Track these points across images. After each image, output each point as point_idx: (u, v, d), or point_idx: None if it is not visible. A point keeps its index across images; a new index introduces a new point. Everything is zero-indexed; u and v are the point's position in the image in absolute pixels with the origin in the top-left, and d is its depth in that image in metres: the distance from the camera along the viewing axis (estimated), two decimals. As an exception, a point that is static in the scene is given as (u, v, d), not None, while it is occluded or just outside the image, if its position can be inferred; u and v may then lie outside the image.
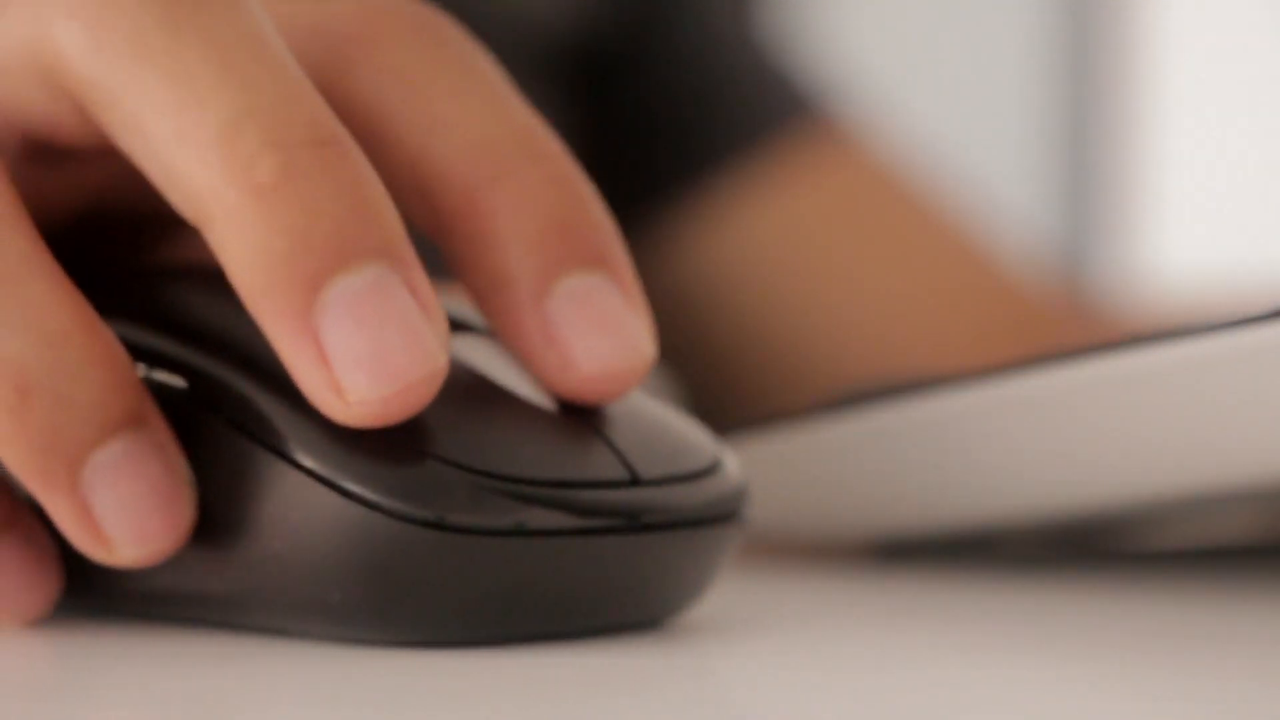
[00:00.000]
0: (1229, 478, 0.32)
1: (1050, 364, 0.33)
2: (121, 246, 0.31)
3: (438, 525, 0.26)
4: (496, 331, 0.28)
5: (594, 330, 0.27)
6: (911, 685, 0.25)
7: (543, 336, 0.27)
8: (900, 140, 0.66)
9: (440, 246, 0.28)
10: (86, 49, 0.26)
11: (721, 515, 0.28)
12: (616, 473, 0.27)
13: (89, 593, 0.29)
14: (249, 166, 0.25)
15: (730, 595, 0.29)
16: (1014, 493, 0.34)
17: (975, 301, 0.63)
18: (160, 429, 0.27)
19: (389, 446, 0.26)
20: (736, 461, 0.29)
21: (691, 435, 0.29)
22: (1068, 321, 0.65)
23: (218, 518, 0.27)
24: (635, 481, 0.27)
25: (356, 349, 0.25)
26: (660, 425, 0.28)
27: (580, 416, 0.28)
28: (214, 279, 0.27)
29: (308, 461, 0.26)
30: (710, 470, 0.28)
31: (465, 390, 0.27)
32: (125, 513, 0.27)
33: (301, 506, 0.26)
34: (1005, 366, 0.34)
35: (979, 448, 0.34)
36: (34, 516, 0.28)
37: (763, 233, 0.62)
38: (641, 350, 0.28)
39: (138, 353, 0.28)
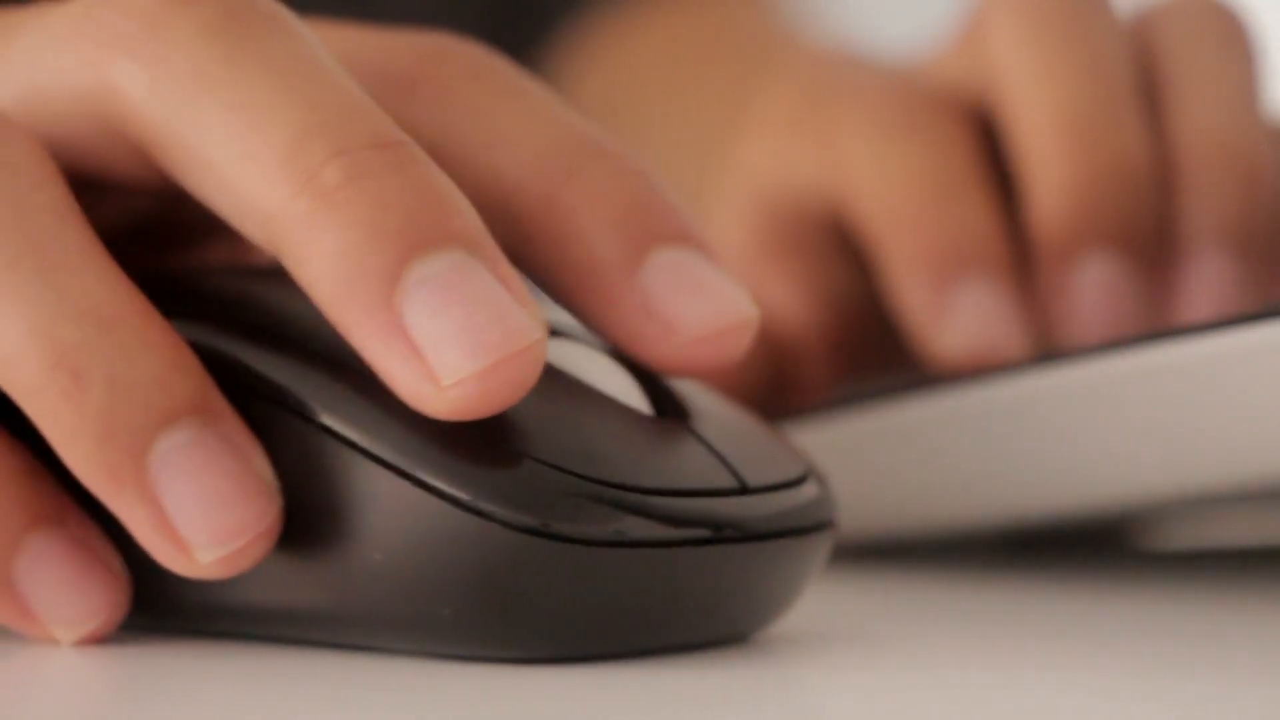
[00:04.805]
0: (1229, 478, 0.32)
1: (1051, 364, 0.33)
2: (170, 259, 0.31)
3: (541, 533, 0.25)
4: (592, 321, 0.28)
5: (692, 294, 0.27)
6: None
7: (642, 310, 0.27)
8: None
9: (524, 258, 0.28)
10: (148, 91, 0.26)
11: (822, 522, 0.27)
12: (725, 481, 0.26)
13: (163, 609, 0.27)
14: (315, 176, 0.25)
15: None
16: (1014, 493, 0.34)
17: None
18: (232, 423, 0.26)
19: (487, 447, 0.25)
20: (819, 466, 0.28)
21: (779, 441, 0.28)
22: None
23: (308, 525, 0.26)
24: (744, 490, 0.26)
25: (445, 328, 0.25)
26: (750, 431, 0.28)
27: (678, 422, 0.27)
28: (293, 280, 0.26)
29: (404, 464, 0.25)
30: (806, 476, 0.27)
31: (564, 395, 0.26)
32: (200, 508, 0.25)
33: (399, 512, 0.25)
34: (1006, 366, 0.34)
35: (980, 448, 0.34)
36: (88, 520, 0.27)
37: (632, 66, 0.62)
38: (743, 308, 0.27)
39: (209, 355, 0.27)
